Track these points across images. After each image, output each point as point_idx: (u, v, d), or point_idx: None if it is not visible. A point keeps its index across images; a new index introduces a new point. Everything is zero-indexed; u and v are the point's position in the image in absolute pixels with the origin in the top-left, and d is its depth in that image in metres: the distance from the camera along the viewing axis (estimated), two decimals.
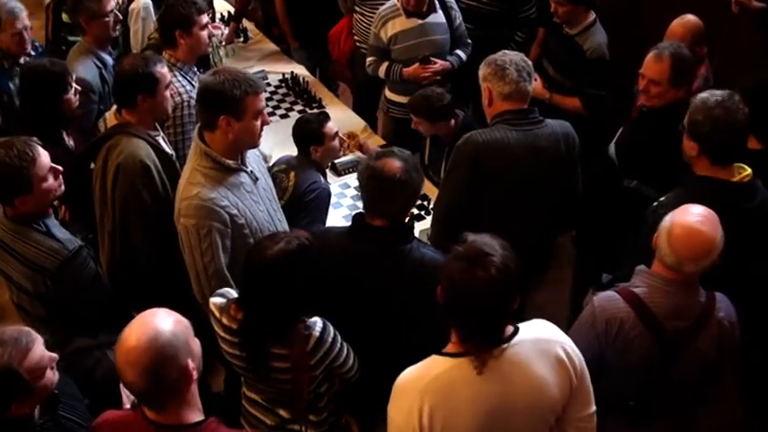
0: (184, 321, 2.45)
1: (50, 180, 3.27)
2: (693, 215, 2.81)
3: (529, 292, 4.30)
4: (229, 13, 6.92)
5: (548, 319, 2.73)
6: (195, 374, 2.40)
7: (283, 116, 5.65)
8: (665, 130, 3.74)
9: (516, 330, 2.56)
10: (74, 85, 4.15)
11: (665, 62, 3.85)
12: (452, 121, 4.52)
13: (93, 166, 3.87)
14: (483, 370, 2.48)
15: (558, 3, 4.92)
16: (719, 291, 3.01)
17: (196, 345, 2.46)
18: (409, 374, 2.58)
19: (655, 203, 3.39)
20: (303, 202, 4.00)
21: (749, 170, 3.30)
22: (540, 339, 2.60)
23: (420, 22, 5.09)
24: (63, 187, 3.38)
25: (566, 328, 3.06)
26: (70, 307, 3.38)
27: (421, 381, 2.53)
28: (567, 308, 4.71)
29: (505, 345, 2.51)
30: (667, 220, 2.86)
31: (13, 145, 3.18)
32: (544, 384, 2.55)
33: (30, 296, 3.33)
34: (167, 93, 3.80)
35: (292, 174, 4.13)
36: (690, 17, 4.46)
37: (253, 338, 2.92)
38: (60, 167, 3.34)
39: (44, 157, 3.25)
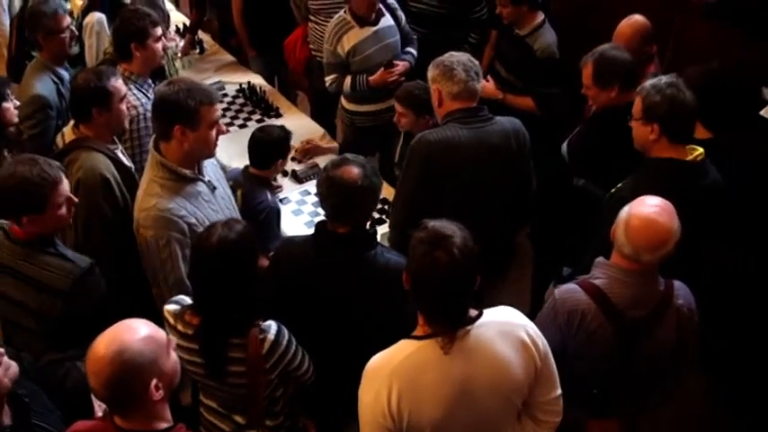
0: (159, 338, 2.40)
1: (63, 209, 3.17)
2: (650, 206, 2.85)
3: (492, 290, 4.37)
4: (185, 24, 6.89)
5: None
6: (159, 394, 2.35)
7: (242, 126, 5.61)
8: (611, 131, 3.80)
9: (480, 314, 2.59)
10: (13, 99, 4.08)
11: (589, 66, 3.95)
12: (430, 120, 4.53)
13: None
14: (449, 351, 2.51)
15: (502, 4, 5.02)
16: (679, 278, 3.05)
17: (169, 362, 2.41)
18: (379, 358, 2.61)
19: (612, 190, 3.45)
20: (255, 222, 3.93)
21: (701, 150, 3.37)
22: (503, 322, 2.63)
23: (373, 29, 5.08)
24: (70, 220, 3.31)
25: None
26: (82, 325, 3.31)
27: (389, 364, 2.56)
28: (529, 305, 4.75)
29: (470, 327, 2.55)
30: (624, 211, 2.89)
31: (39, 163, 3.09)
32: (508, 365, 2.59)
33: (30, 312, 3.20)
34: (123, 106, 3.77)
35: (239, 192, 4.10)
36: (637, 17, 4.51)
37: (211, 340, 2.90)
38: (75, 199, 3.26)
39: (65, 184, 3.17)
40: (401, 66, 5.11)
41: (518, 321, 2.67)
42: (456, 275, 2.46)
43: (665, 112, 3.31)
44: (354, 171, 3.06)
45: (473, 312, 2.60)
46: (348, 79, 5.17)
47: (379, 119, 5.33)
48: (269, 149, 4.21)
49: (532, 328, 2.68)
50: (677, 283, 3.02)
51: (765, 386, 4.56)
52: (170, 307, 3.03)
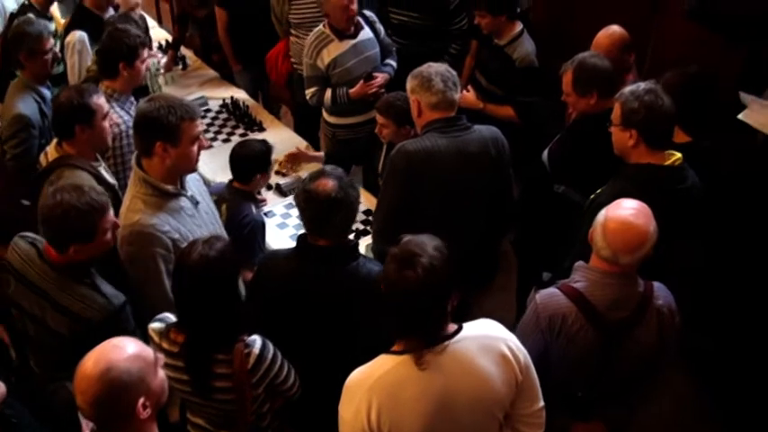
0: (147, 357, 2.39)
1: (109, 234, 3.16)
2: (626, 209, 2.87)
3: (478, 298, 4.39)
4: (167, 41, 6.94)
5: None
6: (147, 412, 2.34)
7: (225, 141, 5.63)
8: (591, 138, 3.83)
9: (460, 328, 2.59)
10: None
11: (569, 73, 3.97)
12: (411, 130, 4.52)
13: (25, 202, 3.87)
14: (427, 366, 2.50)
15: (480, 15, 5.06)
16: (659, 279, 3.07)
17: (156, 381, 2.40)
18: (358, 373, 2.60)
19: (592, 196, 3.47)
20: (239, 236, 3.98)
21: (679, 155, 3.40)
22: (483, 336, 2.62)
23: (353, 42, 5.11)
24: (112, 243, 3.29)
25: (514, 331, 3.15)
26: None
27: (369, 379, 2.55)
28: (515, 311, 4.76)
29: (448, 342, 2.54)
30: (601, 214, 2.91)
31: (85, 191, 3.08)
32: (488, 379, 2.58)
33: (62, 340, 3.17)
34: (105, 123, 3.78)
35: (223, 207, 4.12)
36: (615, 28, 4.54)
37: (195, 357, 2.89)
38: (119, 222, 3.25)
39: (111, 209, 3.17)
40: (380, 78, 5.14)
41: (498, 335, 2.67)
42: (422, 294, 2.46)
43: (644, 119, 3.34)
44: (329, 184, 3.06)
45: (452, 327, 2.59)
46: (328, 92, 5.19)
47: (360, 131, 5.34)
48: (248, 164, 4.22)
49: (513, 340, 2.68)
50: (657, 284, 3.04)
51: (747, 387, 4.61)
52: (154, 325, 3.00)
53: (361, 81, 5.08)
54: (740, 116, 4.38)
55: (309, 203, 3.07)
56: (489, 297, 4.75)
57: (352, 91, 5.11)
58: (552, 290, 3.03)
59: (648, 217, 2.86)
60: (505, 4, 5.02)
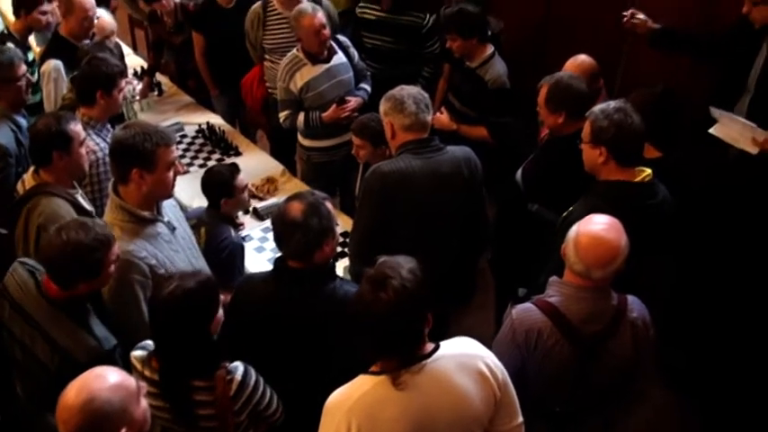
0: (129, 386, 2.39)
1: (112, 267, 3.14)
2: (597, 224, 2.90)
3: (457, 317, 4.43)
4: (143, 67, 6.94)
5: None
6: None
7: (202, 166, 5.63)
8: (562, 157, 3.89)
9: (437, 347, 2.61)
10: None
11: (544, 88, 4.04)
12: (387, 151, 4.54)
13: (2, 231, 3.85)
14: (404, 386, 2.52)
15: (451, 39, 5.12)
16: (633, 293, 3.10)
17: (139, 410, 2.40)
18: (337, 395, 2.60)
19: (564, 213, 3.51)
20: (218, 259, 3.98)
21: (649, 171, 3.45)
22: (461, 354, 2.64)
23: (326, 66, 5.15)
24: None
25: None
26: None
27: (348, 400, 2.55)
28: (493, 329, 4.77)
29: (425, 361, 2.56)
30: (573, 230, 2.94)
31: (89, 226, 3.04)
32: (467, 397, 2.59)
33: (37, 362, 3.14)
34: (83, 150, 3.79)
35: (203, 230, 4.12)
36: (583, 57, 4.61)
37: (172, 385, 2.87)
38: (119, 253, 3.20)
39: (116, 242, 3.15)
40: (353, 102, 5.18)
41: (475, 352, 2.69)
42: (393, 316, 2.48)
43: (613, 136, 3.39)
44: (296, 207, 3.10)
45: (429, 347, 2.61)
46: (301, 116, 5.23)
47: (334, 154, 5.39)
48: (211, 189, 4.25)
49: (490, 357, 2.69)
50: (630, 298, 3.07)
51: (723, 399, 4.66)
52: (136, 353, 2.98)
53: (334, 105, 5.13)
54: (711, 130, 4.46)
55: (274, 222, 3.16)
56: (468, 315, 4.79)
57: (324, 115, 5.15)
58: (527, 305, 3.05)
59: (619, 231, 2.89)
60: (475, 27, 5.08)
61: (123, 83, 4.38)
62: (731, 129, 4.42)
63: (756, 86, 4.50)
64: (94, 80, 4.26)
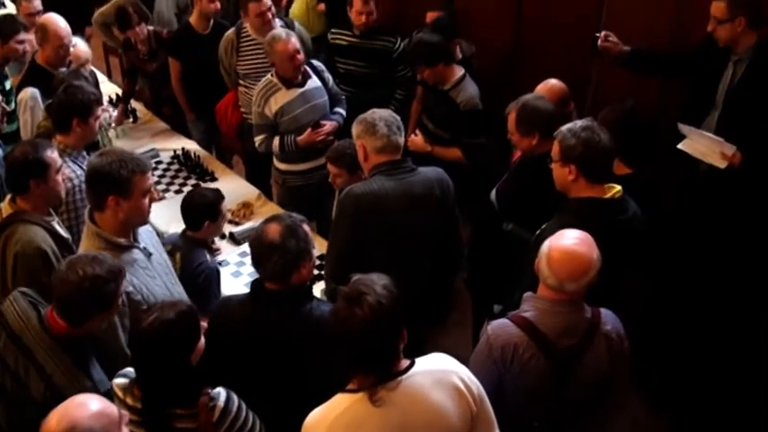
0: (110, 414, 2.37)
1: (121, 298, 3.13)
2: (569, 238, 2.95)
3: (434, 337, 4.43)
4: (117, 95, 6.95)
5: None
6: None
7: (177, 192, 5.63)
8: (534, 176, 3.93)
9: (412, 363, 2.62)
10: None
11: (512, 114, 4.10)
12: (363, 175, 4.51)
13: None
14: (381, 403, 2.53)
15: (419, 70, 5.19)
16: (606, 307, 3.13)
17: None
18: (315, 414, 2.62)
19: (538, 231, 3.54)
20: (195, 284, 3.97)
21: (618, 188, 3.50)
22: (436, 370, 2.66)
23: (300, 90, 5.19)
24: None
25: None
26: None
27: (326, 419, 2.57)
28: (471, 348, 4.80)
29: (401, 377, 2.57)
30: (546, 245, 2.98)
31: (100, 259, 3.02)
32: (443, 413, 2.61)
33: (26, 395, 3.08)
34: (59, 177, 3.77)
35: (178, 255, 4.11)
36: (554, 82, 4.65)
37: (154, 414, 2.83)
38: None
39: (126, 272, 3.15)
40: (328, 126, 5.23)
41: (451, 368, 2.70)
42: (368, 332, 2.51)
43: (581, 154, 3.43)
44: (273, 228, 3.12)
45: (404, 363, 2.63)
46: (276, 140, 5.26)
47: (309, 177, 5.41)
48: (196, 212, 4.23)
49: (465, 373, 2.71)
50: (604, 311, 3.10)
51: (699, 413, 4.70)
52: (118, 381, 2.95)
53: (309, 129, 5.16)
54: (679, 146, 4.53)
55: (251, 243, 3.18)
56: (445, 335, 4.79)
57: (299, 139, 5.18)
58: (503, 320, 3.07)
59: (590, 245, 2.94)
60: (438, 53, 5.12)
61: (99, 110, 4.39)
62: (699, 144, 4.50)
63: (724, 103, 4.59)
64: (71, 108, 4.26)
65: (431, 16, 5.92)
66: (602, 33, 4.92)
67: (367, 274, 2.65)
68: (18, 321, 3.11)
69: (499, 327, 3.06)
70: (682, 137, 4.59)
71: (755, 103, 4.40)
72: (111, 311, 3.10)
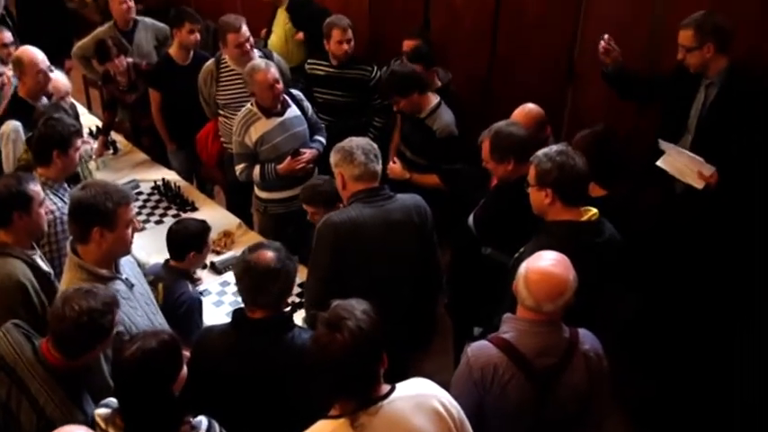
0: None
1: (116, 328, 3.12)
2: (545, 260, 2.99)
3: (417, 363, 4.45)
4: (98, 127, 6.97)
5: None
6: None
7: (158, 222, 5.64)
8: (511, 201, 3.98)
9: (393, 388, 2.65)
10: None
11: (486, 142, 4.17)
12: (340, 205, 4.55)
13: None
14: (362, 429, 2.55)
15: (394, 101, 5.24)
16: (585, 326, 3.16)
17: None
18: None
19: (516, 254, 3.58)
20: (176, 314, 3.96)
21: (595, 210, 3.55)
22: (416, 395, 2.68)
23: (280, 119, 5.23)
24: None
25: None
26: None
27: None
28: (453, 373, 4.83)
29: (381, 402, 2.59)
30: (523, 267, 3.02)
31: (94, 292, 3.00)
32: None
33: (16, 426, 3.05)
34: (42, 210, 3.77)
35: (160, 286, 4.10)
36: (531, 106, 4.71)
37: None
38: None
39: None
40: (308, 153, 5.26)
41: (431, 392, 2.73)
42: (348, 357, 2.53)
43: (557, 178, 3.49)
44: (269, 255, 3.15)
45: (385, 388, 2.65)
46: (257, 168, 5.28)
47: (290, 205, 5.42)
48: (182, 241, 4.22)
49: (446, 397, 2.74)
50: (582, 331, 3.13)
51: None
52: (100, 411, 2.94)
53: (289, 157, 5.19)
54: (658, 163, 4.57)
55: (247, 273, 3.15)
56: (428, 361, 4.80)
57: (280, 167, 5.20)
58: (482, 342, 3.10)
59: (566, 266, 2.98)
60: (410, 83, 5.18)
61: (79, 142, 4.39)
62: (678, 161, 4.53)
63: (696, 128, 4.65)
64: (50, 140, 4.27)
65: (408, 45, 6.00)
66: (607, 37, 4.93)
67: (347, 299, 2.67)
68: (11, 353, 3.10)
69: (479, 348, 3.08)
70: (659, 156, 4.63)
71: (727, 126, 4.45)
72: (109, 341, 3.09)
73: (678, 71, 4.68)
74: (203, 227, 4.30)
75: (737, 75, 4.49)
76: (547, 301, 2.95)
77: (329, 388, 2.63)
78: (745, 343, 4.58)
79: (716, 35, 4.41)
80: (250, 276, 3.15)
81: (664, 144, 4.58)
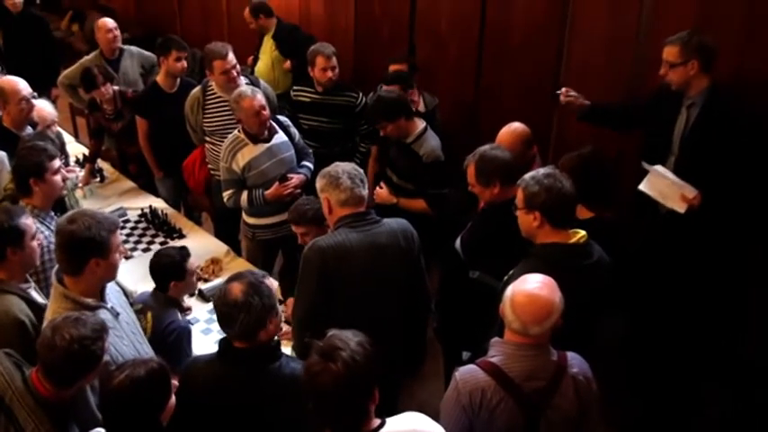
0: None
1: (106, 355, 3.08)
2: (531, 282, 2.98)
3: (409, 389, 4.43)
4: (84, 155, 6.94)
5: (432, 414, 2.85)
6: None
7: (145, 250, 5.61)
8: (498, 224, 3.99)
9: (383, 423, 2.63)
10: None
11: (471, 166, 4.17)
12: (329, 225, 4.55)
13: None
14: None
15: (381, 126, 5.24)
16: (574, 349, 3.15)
17: None
18: None
19: (505, 277, 3.56)
20: (166, 343, 3.93)
21: (583, 233, 3.55)
22: (409, 431, 2.67)
23: (267, 145, 5.22)
24: None
25: None
26: None
27: None
28: None
29: None
30: (509, 290, 3.01)
31: (82, 320, 2.97)
32: None
33: None
34: (34, 243, 3.73)
35: (149, 314, 4.06)
36: (516, 125, 4.74)
37: None
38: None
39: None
40: (296, 179, 5.25)
41: (425, 428, 2.71)
42: (342, 388, 2.52)
43: (544, 201, 3.49)
44: (238, 288, 3.12)
45: (375, 422, 2.63)
46: (245, 194, 5.26)
47: (278, 231, 5.41)
48: (161, 272, 4.20)
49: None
50: (570, 354, 3.12)
51: None
52: None
53: (277, 183, 5.18)
54: (641, 187, 4.59)
55: (216, 303, 3.17)
56: (420, 386, 4.80)
57: (267, 193, 5.19)
58: (470, 366, 3.07)
59: (552, 289, 2.97)
60: (396, 108, 5.19)
61: (56, 163, 4.32)
62: (661, 183, 4.54)
63: (680, 148, 4.66)
64: (25, 170, 4.24)
65: (394, 69, 6.02)
66: (563, 89, 5.01)
67: (337, 328, 2.65)
68: (1, 381, 3.07)
69: (466, 373, 3.06)
70: (644, 177, 4.66)
71: (711, 145, 4.47)
72: (99, 369, 3.05)
73: (659, 92, 4.72)
74: (181, 255, 4.26)
75: (719, 95, 4.52)
76: (533, 323, 2.93)
77: (317, 419, 2.60)
78: (732, 361, 4.58)
79: (701, 53, 4.44)
80: (217, 306, 3.17)
81: (647, 166, 4.59)
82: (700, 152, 4.54)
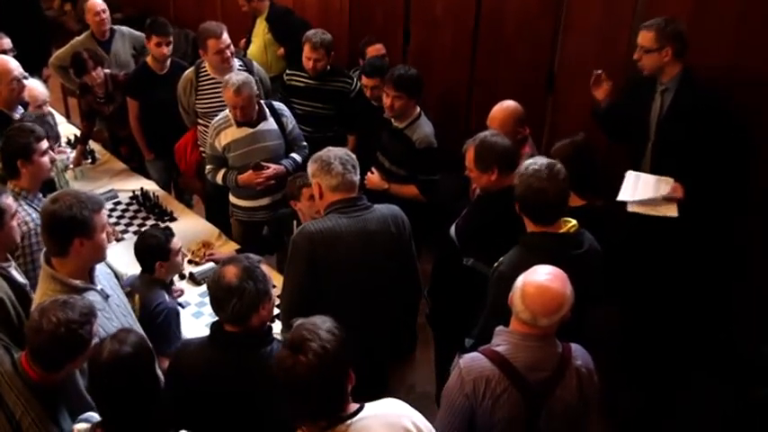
0: None
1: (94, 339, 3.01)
2: (543, 274, 2.95)
3: (400, 373, 4.43)
4: (76, 136, 6.88)
5: (420, 398, 2.85)
6: None
7: (136, 232, 5.50)
8: (493, 211, 3.99)
9: (361, 407, 2.59)
10: None
11: (470, 150, 4.12)
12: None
13: None
14: None
15: (396, 96, 5.05)
16: (570, 338, 3.13)
17: None
18: None
19: (495, 264, 3.57)
20: (154, 325, 3.92)
21: (574, 221, 3.52)
22: (386, 414, 2.64)
23: (251, 130, 5.18)
24: None
25: (437, 405, 3.14)
26: None
27: None
28: (435, 384, 4.77)
29: (349, 421, 2.55)
30: (519, 280, 2.97)
31: (70, 302, 2.95)
32: None
33: None
34: (14, 222, 3.68)
35: (137, 297, 4.05)
36: (509, 102, 4.71)
37: None
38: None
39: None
40: (271, 169, 5.21)
41: (402, 412, 2.69)
42: (313, 378, 2.48)
43: (521, 196, 3.52)
44: (232, 271, 3.09)
45: (352, 407, 2.60)
46: (221, 173, 5.31)
47: (253, 215, 5.45)
48: (146, 253, 4.19)
49: (419, 418, 2.69)
50: (574, 346, 3.10)
51: None
52: (79, 426, 2.91)
53: (251, 170, 5.17)
54: (630, 208, 4.59)
55: (210, 286, 3.14)
56: (410, 372, 4.80)
57: (240, 177, 5.20)
58: (475, 354, 3.05)
59: (564, 281, 2.95)
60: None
61: (44, 145, 4.27)
62: (643, 194, 4.56)
63: (656, 133, 4.72)
64: (12, 151, 4.18)
65: (371, 51, 6.13)
66: (599, 71, 4.97)
67: (320, 314, 2.63)
68: None
69: (471, 360, 3.03)
70: (637, 166, 4.73)
71: (686, 129, 4.50)
72: (87, 353, 3.01)
73: (632, 80, 4.78)
74: (164, 235, 4.24)
75: (692, 80, 4.57)
76: (543, 315, 2.91)
77: (295, 410, 2.58)
78: (728, 350, 4.60)
79: (676, 40, 4.51)
80: (212, 291, 3.13)
81: (630, 176, 4.64)
82: (675, 136, 4.59)
